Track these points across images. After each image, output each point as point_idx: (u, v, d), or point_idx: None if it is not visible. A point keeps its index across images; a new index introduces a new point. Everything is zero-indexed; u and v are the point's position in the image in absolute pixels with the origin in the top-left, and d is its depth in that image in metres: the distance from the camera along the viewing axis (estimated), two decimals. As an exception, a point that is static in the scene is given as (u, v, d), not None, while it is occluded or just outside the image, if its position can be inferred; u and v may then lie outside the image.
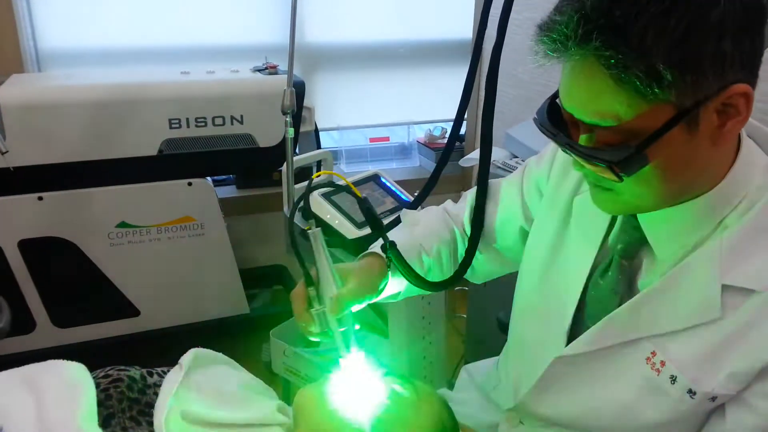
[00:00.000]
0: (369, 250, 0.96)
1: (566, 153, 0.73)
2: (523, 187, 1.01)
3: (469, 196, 1.09)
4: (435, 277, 1.00)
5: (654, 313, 0.77)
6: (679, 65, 0.60)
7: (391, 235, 0.96)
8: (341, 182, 0.93)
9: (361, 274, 0.87)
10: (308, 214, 0.89)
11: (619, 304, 0.82)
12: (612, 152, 0.66)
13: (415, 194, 1.54)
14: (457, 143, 2.77)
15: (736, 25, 0.61)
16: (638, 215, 0.78)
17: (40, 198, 1.81)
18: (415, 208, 1.50)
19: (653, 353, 0.77)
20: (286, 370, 1.72)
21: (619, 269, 0.82)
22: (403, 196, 1.62)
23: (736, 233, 0.72)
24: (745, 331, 0.71)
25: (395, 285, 0.94)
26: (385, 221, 1.54)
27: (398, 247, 0.90)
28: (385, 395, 0.79)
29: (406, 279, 0.92)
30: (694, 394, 0.75)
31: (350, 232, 1.45)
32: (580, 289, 0.87)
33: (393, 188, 1.64)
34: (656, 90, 0.61)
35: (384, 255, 0.91)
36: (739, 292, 0.71)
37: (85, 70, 2.17)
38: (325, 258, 0.84)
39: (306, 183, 1.71)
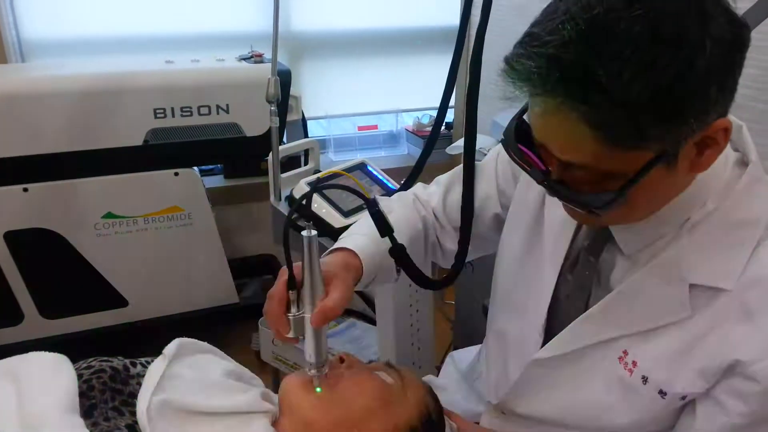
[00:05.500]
0: (343, 244, 0.91)
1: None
2: (498, 174, 1.00)
3: (443, 179, 1.07)
4: None
5: (624, 314, 0.78)
6: (663, 118, 0.58)
7: (363, 223, 0.95)
8: (345, 181, 0.89)
9: (344, 280, 0.82)
10: (306, 216, 0.81)
11: (587, 301, 0.83)
12: (590, 197, 0.66)
13: (402, 182, 1.54)
14: (445, 131, 2.76)
15: (722, 69, 0.59)
16: None
17: (26, 189, 1.80)
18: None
19: (625, 353, 0.78)
20: (275, 358, 1.72)
21: (587, 265, 0.83)
22: (390, 185, 1.62)
23: (701, 232, 0.72)
24: (712, 329, 0.72)
25: (366, 279, 0.90)
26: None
27: (372, 238, 0.88)
28: (370, 382, 0.79)
29: (414, 281, 0.90)
30: (665, 394, 0.76)
31: (337, 220, 1.45)
32: (553, 285, 0.87)
33: (380, 176, 1.64)
34: (639, 142, 0.60)
35: (382, 252, 0.87)
36: (706, 291, 0.72)
37: (68, 59, 2.15)
38: (317, 264, 0.77)
39: (298, 171, 1.71)
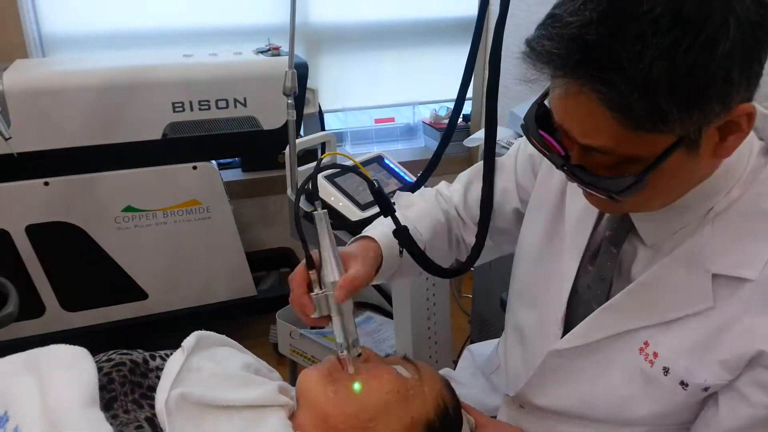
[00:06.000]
0: (363, 233, 0.93)
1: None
2: (517, 168, 1.00)
3: (464, 177, 1.08)
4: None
5: (646, 304, 0.76)
6: (684, 101, 0.57)
7: (383, 218, 0.95)
8: (349, 163, 0.91)
9: (363, 259, 0.84)
10: (314, 196, 0.83)
11: (609, 291, 0.82)
12: (610, 182, 0.65)
13: (419, 175, 1.53)
14: (463, 123, 2.74)
15: (745, 52, 0.57)
16: None
17: (46, 183, 1.82)
18: (415, 190, 1.50)
19: (646, 343, 0.77)
20: (293, 351, 1.73)
21: (608, 256, 0.82)
22: (406, 178, 1.61)
23: (725, 221, 0.71)
24: (735, 319, 0.70)
25: (388, 269, 0.92)
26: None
27: (392, 228, 0.88)
28: (387, 376, 0.79)
29: (419, 264, 0.90)
30: (687, 385, 0.74)
31: (354, 213, 1.45)
32: (573, 275, 0.86)
33: (397, 170, 1.63)
34: (659, 125, 0.59)
35: (396, 239, 0.87)
36: (729, 281, 0.70)
37: (88, 54, 2.17)
38: (330, 241, 0.80)
39: (314, 164, 1.71)
